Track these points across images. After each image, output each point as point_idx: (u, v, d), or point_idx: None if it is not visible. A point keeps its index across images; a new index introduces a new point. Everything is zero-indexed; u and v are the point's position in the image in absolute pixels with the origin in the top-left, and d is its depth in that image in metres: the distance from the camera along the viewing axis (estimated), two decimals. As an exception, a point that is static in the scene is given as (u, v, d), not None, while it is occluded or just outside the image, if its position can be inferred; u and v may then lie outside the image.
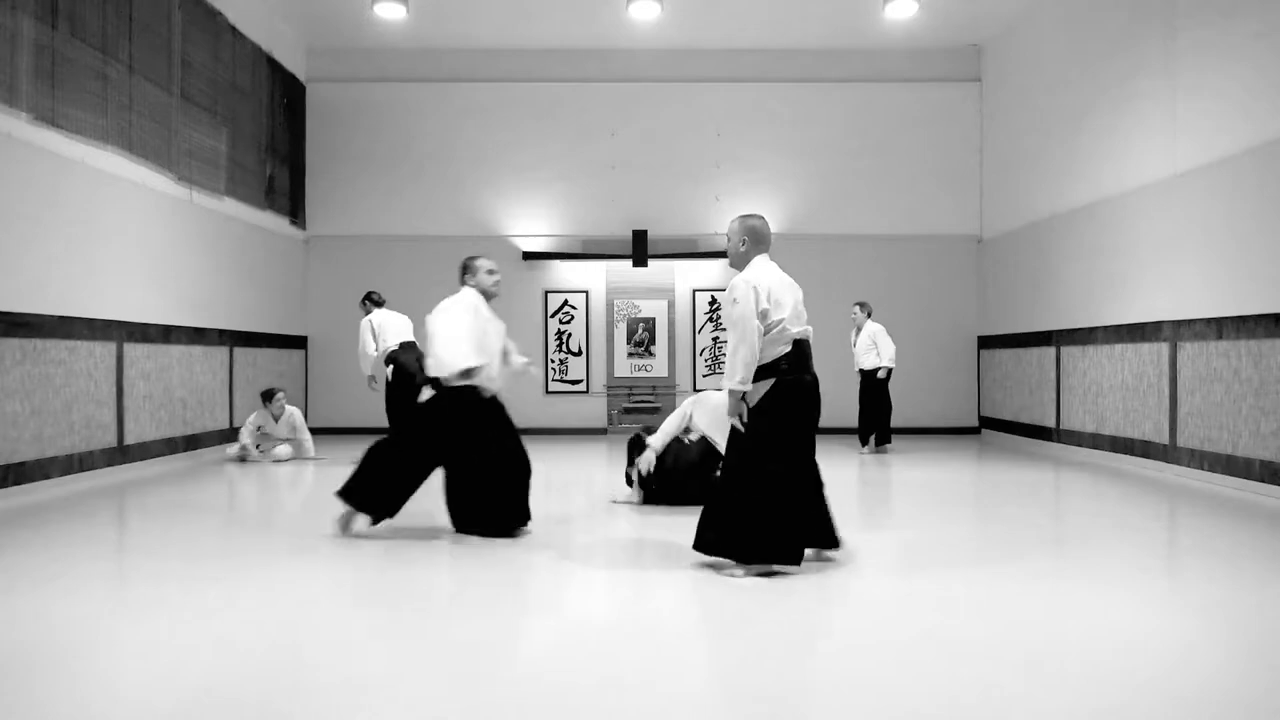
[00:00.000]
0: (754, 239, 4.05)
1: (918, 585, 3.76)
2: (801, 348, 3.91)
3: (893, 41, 10.76)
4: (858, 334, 9.16)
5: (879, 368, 8.90)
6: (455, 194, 11.10)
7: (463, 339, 4.63)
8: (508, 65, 11.06)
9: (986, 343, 10.84)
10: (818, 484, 4.07)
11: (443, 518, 4.89)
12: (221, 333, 8.83)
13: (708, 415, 5.67)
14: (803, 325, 3.96)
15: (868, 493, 6.81)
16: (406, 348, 7.78)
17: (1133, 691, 2.56)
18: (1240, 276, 6.43)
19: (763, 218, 4.14)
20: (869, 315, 9.17)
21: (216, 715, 2.39)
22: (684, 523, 4.76)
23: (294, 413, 8.42)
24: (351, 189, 11.11)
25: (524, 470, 4.82)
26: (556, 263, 11.09)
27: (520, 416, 11.37)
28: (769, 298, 3.85)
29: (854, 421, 9.48)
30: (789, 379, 3.84)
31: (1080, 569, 4.09)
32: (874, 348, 8.97)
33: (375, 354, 7.82)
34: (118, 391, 7.08)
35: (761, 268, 3.97)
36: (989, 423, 10.74)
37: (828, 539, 4.10)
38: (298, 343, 10.82)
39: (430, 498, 5.02)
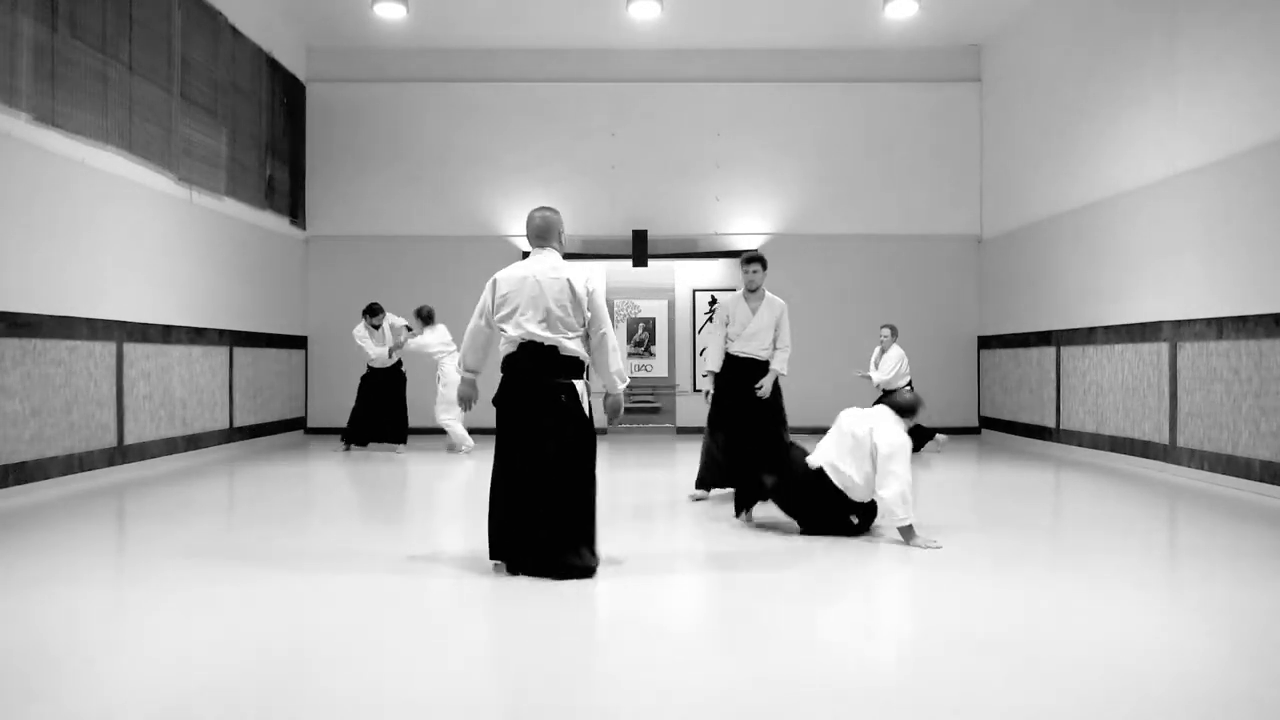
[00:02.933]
0: (529, 233, 3.97)
1: (914, 585, 3.76)
2: (527, 349, 3.75)
3: (893, 41, 10.76)
4: (882, 354, 9.15)
5: (871, 376, 9.01)
6: (455, 194, 11.09)
7: None
8: (507, 65, 11.05)
9: (986, 343, 10.84)
10: (543, 496, 3.70)
11: (442, 525, 4.87)
12: (221, 333, 8.83)
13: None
14: (535, 327, 3.74)
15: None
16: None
17: (1132, 693, 2.56)
18: (1240, 276, 6.43)
19: (545, 210, 3.97)
20: (896, 338, 9.24)
21: (216, 716, 2.39)
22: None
23: (391, 322, 9.21)
24: (351, 189, 11.11)
25: None
26: (556, 263, 11.07)
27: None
28: (501, 294, 3.81)
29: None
30: (502, 381, 3.81)
31: (1080, 569, 4.09)
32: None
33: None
34: (118, 391, 7.08)
35: (518, 263, 3.91)
36: (989, 423, 10.74)
37: (536, 564, 3.72)
38: (298, 343, 10.82)
39: (424, 499, 5.00)
